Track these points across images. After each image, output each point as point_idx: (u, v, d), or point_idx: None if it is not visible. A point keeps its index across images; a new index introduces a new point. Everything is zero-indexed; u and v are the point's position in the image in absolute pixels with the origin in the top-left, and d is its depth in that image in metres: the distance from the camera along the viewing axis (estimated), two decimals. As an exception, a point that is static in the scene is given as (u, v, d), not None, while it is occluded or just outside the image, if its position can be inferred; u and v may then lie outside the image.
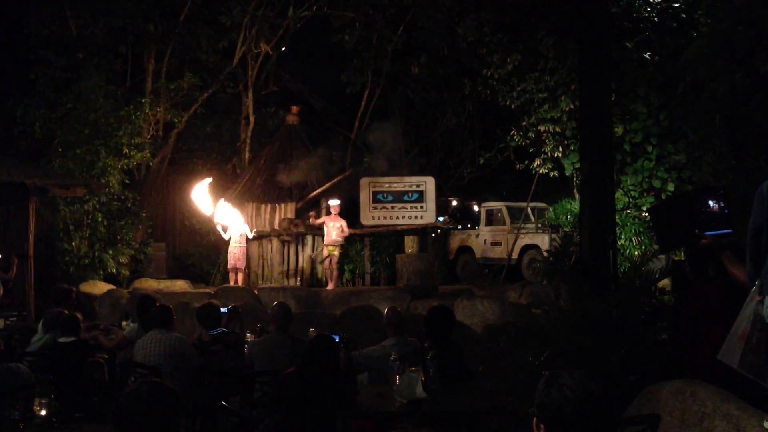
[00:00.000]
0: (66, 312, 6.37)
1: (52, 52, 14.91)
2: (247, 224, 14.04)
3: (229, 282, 13.84)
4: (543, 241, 14.40)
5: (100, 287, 12.83)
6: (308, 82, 20.28)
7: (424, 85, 17.63)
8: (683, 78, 10.96)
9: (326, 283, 13.88)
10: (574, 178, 13.64)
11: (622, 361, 4.08)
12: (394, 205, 14.74)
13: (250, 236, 13.87)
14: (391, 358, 4.51)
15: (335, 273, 13.72)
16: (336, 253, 13.57)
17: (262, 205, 15.39)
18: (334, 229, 13.48)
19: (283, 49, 18.18)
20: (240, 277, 13.61)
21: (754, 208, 2.93)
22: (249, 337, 6.29)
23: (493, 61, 13.96)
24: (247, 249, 14.04)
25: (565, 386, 1.91)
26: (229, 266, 13.66)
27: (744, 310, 2.99)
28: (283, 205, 15.27)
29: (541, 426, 1.94)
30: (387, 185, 15.11)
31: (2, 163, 10.70)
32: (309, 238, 14.92)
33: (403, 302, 11.27)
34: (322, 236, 15.11)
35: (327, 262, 13.64)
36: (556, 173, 14.35)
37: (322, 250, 13.94)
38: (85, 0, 14.63)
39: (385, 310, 5.45)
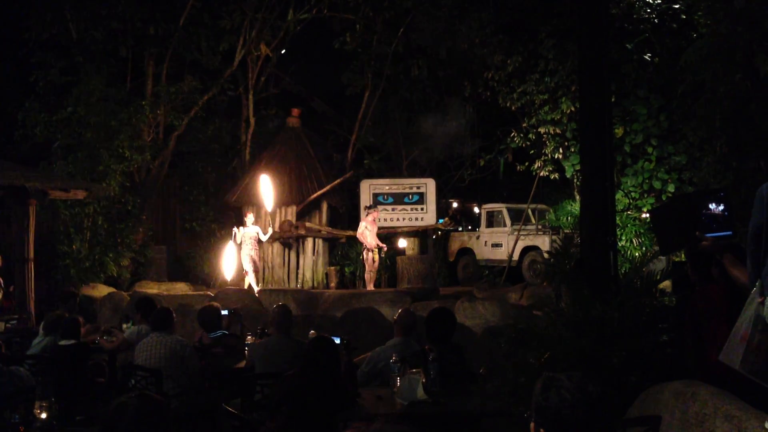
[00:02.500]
0: (66, 315, 6.38)
1: (53, 55, 14.92)
2: (258, 225, 14.01)
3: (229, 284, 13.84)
4: (544, 242, 14.41)
5: (100, 290, 12.84)
6: (308, 85, 20.30)
7: (424, 87, 17.64)
8: (683, 79, 10.97)
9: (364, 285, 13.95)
10: (575, 180, 13.66)
11: (623, 362, 4.08)
12: (394, 207, 14.75)
13: (264, 239, 13.81)
14: (392, 360, 4.51)
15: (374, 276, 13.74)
16: (378, 256, 13.60)
17: (262, 207, 15.41)
18: (372, 232, 13.48)
19: (283, 51, 18.19)
20: (251, 279, 13.60)
21: (754, 210, 2.94)
22: (249, 339, 6.30)
23: (493, 62, 13.99)
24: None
25: (564, 389, 1.90)
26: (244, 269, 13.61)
27: (745, 311, 2.99)
28: (283, 208, 15.28)
29: (541, 430, 1.93)
30: (387, 187, 15.13)
31: (2, 166, 10.70)
32: (309, 241, 14.93)
33: (404, 304, 11.26)
34: (323, 239, 15.14)
35: (371, 265, 13.59)
36: (556, 175, 14.36)
37: (365, 256, 13.83)
38: (86, 3, 14.65)
39: (399, 310, 5.45)
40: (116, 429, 2.12)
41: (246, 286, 13.33)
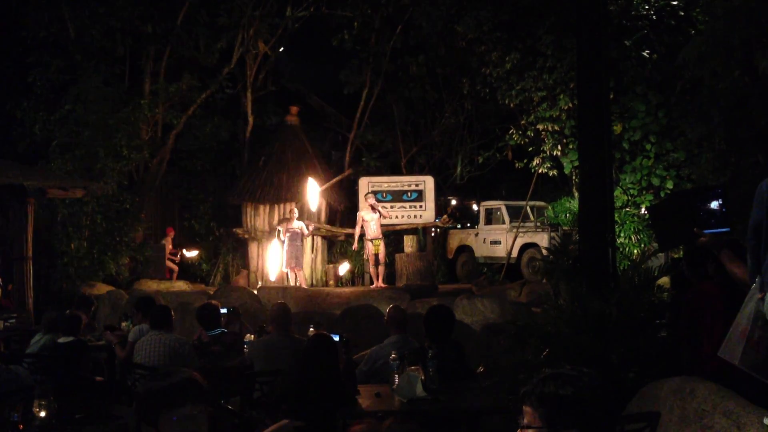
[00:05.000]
0: (85, 317, 6.41)
1: (50, 54, 14.89)
2: (303, 221, 13.84)
3: (231, 282, 13.83)
4: (542, 239, 14.41)
5: (99, 288, 12.82)
6: (307, 83, 20.28)
7: (422, 85, 17.63)
8: (682, 76, 10.97)
9: (371, 282, 13.57)
10: (573, 177, 13.64)
11: (621, 358, 4.08)
12: (393, 204, 14.72)
13: (307, 233, 13.75)
14: (391, 357, 4.51)
15: (383, 269, 13.22)
16: (382, 248, 13.08)
17: (261, 206, 15.41)
18: (375, 221, 12.93)
19: (282, 49, 18.17)
20: (299, 275, 13.50)
21: (754, 206, 2.94)
22: (248, 337, 6.30)
23: (491, 59, 13.96)
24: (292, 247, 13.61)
25: (565, 381, 1.91)
26: (286, 266, 13.51)
27: (744, 307, 3.00)
28: (281, 205, 15.27)
29: (536, 412, 1.93)
30: (386, 185, 15.12)
31: (0, 165, 10.68)
32: (308, 238, 14.92)
33: (403, 302, 11.25)
34: (322, 236, 15.10)
35: (374, 258, 13.01)
36: (555, 172, 14.35)
37: (365, 248, 13.27)
38: (83, 2, 14.62)
39: (388, 308, 5.44)
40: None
41: (293, 283, 13.31)
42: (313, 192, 14.51)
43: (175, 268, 15.80)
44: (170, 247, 15.77)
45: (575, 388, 1.89)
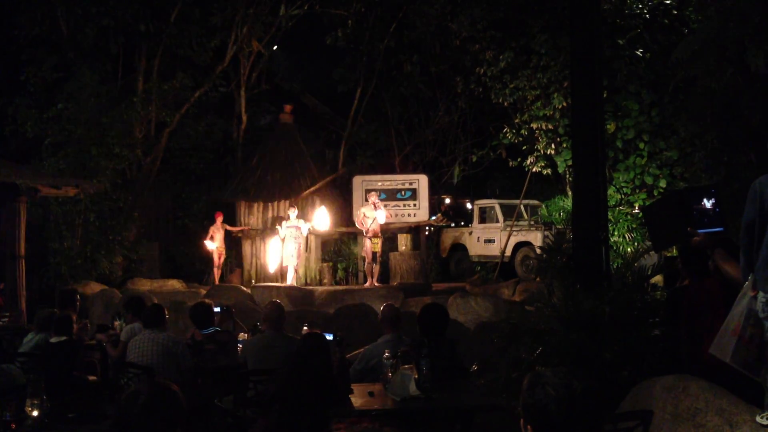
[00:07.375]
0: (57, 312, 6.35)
1: (43, 51, 14.82)
2: (302, 219, 13.75)
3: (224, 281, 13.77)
4: (536, 238, 14.41)
5: (92, 287, 12.78)
6: (301, 81, 20.25)
7: (416, 83, 17.63)
8: (675, 75, 11.01)
9: (365, 280, 13.38)
10: (567, 175, 13.67)
11: (615, 357, 4.09)
12: (386, 203, 14.71)
13: (305, 232, 13.63)
14: (384, 356, 4.51)
15: (378, 268, 13.09)
16: (380, 246, 13.00)
17: (255, 204, 15.37)
18: (374, 219, 12.77)
19: (275, 47, 18.14)
20: (293, 275, 13.34)
21: (747, 205, 2.95)
22: (242, 336, 6.29)
23: (485, 58, 13.98)
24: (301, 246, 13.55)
25: (549, 385, 1.91)
26: (285, 262, 13.43)
27: (737, 305, 3.01)
28: (275, 204, 15.25)
29: (528, 426, 1.94)
30: (380, 183, 15.11)
31: (-7, 163, 10.64)
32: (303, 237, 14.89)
33: (397, 300, 11.26)
34: (316, 235, 15.07)
35: (371, 256, 12.84)
36: (549, 171, 14.38)
37: (364, 246, 13.13)
38: (77, 0, 14.55)
39: (382, 307, 5.44)
40: (129, 417, 2.11)
41: (289, 282, 13.22)
42: (323, 216, 14.65)
43: (221, 252, 14.52)
44: (222, 232, 14.52)
45: (557, 392, 1.89)
